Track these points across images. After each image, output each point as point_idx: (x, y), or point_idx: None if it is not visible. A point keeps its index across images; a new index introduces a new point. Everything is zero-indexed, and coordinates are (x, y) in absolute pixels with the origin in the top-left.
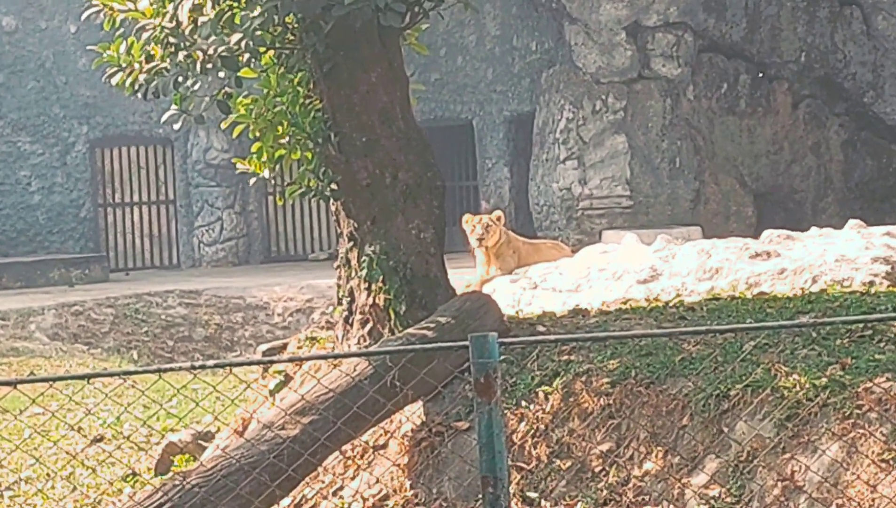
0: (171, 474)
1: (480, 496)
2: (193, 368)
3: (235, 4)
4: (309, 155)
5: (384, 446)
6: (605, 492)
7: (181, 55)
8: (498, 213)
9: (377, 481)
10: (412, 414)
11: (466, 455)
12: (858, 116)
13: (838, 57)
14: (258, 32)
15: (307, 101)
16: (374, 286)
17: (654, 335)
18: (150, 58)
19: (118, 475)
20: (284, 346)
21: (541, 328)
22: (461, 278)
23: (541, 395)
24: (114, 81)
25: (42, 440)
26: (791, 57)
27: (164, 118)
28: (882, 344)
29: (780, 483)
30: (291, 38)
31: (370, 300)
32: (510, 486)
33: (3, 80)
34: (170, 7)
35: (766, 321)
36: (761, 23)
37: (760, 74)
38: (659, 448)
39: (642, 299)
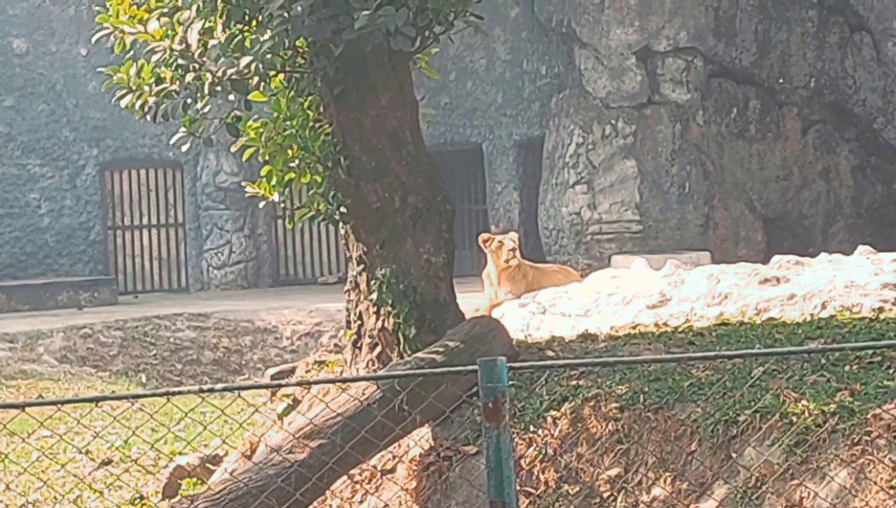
0: (178, 497)
1: None
2: (202, 391)
3: (245, 28)
4: (318, 179)
5: (392, 470)
6: None
7: (190, 78)
8: (514, 234)
9: (385, 505)
10: (420, 439)
11: (475, 479)
12: (868, 141)
13: (848, 83)
14: (268, 56)
15: (317, 124)
16: (383, 310)
17: (662, 360)
18: (159, 80)
19: (126, 498)
20: (293, 370)
21: (549, 353)
22: (470, 302)
23: (549, 420)
24: (123, 103)
25: (50, 464)
26: (801, 82)
27: (172, 140)
28: (891, 370)
29: None
30: (301, 61)
31: (379, 324)
32: None
33: (13, 102)
34: (179, 30)
35: (775, 346)
36: (771, 48)
37: (780, 80)
38: (667, 474)
39: (651, 325)
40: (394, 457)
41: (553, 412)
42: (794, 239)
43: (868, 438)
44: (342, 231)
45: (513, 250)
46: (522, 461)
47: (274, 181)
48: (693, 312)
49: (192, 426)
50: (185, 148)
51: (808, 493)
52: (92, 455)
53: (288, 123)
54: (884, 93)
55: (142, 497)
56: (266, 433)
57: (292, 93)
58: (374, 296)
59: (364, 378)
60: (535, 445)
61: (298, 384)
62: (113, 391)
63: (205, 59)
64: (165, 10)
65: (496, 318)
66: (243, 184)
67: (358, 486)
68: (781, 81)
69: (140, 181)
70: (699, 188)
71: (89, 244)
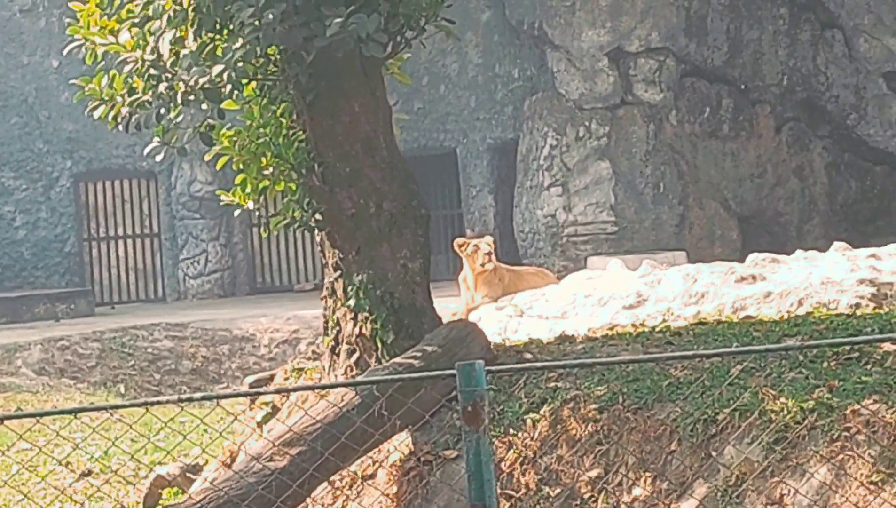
0: (159, 507)
1: None
2: (180, 401)
3: (217, 36)
4: (293, 186)
5: (372, 476)
6: None
7: (163, 87)
8: (489, 238)
9: None
10: (400, 444)
11: (455, 483)
12: (842, 138)
13: (821, 80)
14: (240, 64)
15: (290, 131)
16: (360, 316)
17: (640, 360)
18: (132, 91)
19: None
20: (271, 377)
21: (528, 356)
22: (446, 306)
23: (529, 422)
24: (96, 114)
25: (30, 476)
26: (773, 80)
27: (146, 151)
28: (869, 366)
29: (769, 507)
30: (274, 69)
31: (357, 330)
32: None
33: None
34: (151, 40)
35: (753, 344)
36: (743, 47)
37: (743, 86)
38: (647, 474)
39: (629, 325)
40: (374, 462)
41: (532, 415)
42: (769, 237)
43: (847, 434)
44: (318, 238)
45: (488, 253)
46: (503, 464)
47: (248, 189)
48: (670, 311)
49: (171, 436)
50: (158, 158)
51: (789, 490)
52: (72, 467)
53: (261, 130)
54: (856, 89)
55: None
56: (246, 442)
57: (265, 100)
58: (351, 302)
59: (343, 384)
60: (514, 448)
61: (277, 391)
62: (91, 403)
63: (177, 68)
64: (136, 20)
65: (473, 322)
66: (218, 193)
67: (339, 492)
68: (744, 87)
69: (115, 192)
70: (674, 188)
71: (65, 256)
